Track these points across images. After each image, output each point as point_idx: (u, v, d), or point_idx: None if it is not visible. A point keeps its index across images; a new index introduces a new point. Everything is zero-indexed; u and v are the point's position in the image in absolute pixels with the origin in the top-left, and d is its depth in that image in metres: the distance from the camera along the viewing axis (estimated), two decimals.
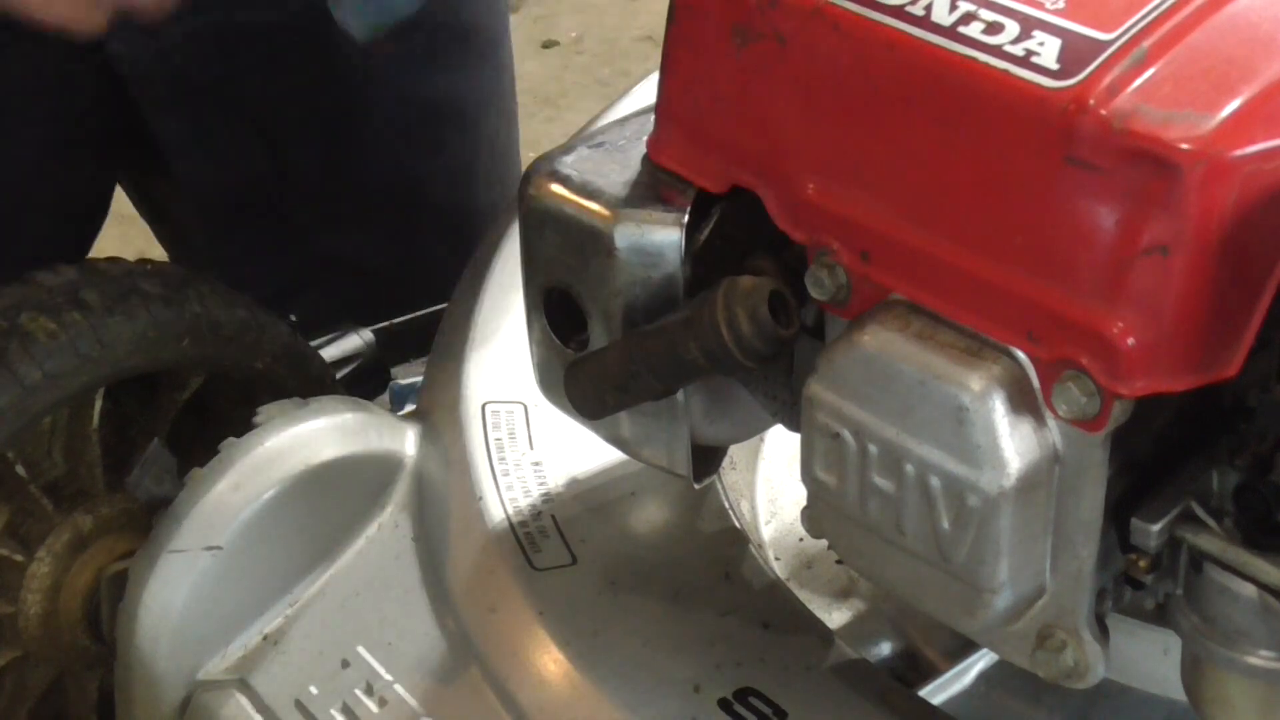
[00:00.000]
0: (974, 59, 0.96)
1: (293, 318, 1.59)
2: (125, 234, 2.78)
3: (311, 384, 1.58)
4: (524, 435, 1.39)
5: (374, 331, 2.21)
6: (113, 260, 1.51)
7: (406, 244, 2.08)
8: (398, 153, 2.03)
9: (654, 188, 1.12)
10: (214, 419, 1.55)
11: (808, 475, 1.06)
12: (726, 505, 1.35)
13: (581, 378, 1.13)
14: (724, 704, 1.18)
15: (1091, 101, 0.92)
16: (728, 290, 1.05)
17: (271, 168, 2.00)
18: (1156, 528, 1.00)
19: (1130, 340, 0.93)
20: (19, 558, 1.46)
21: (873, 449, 1.01)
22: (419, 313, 1.97)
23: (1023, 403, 0.96)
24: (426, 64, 1.99)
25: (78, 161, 2.02)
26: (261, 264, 2.04)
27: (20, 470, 1.47)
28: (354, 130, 2.01)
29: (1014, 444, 0.96)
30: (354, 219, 2.06)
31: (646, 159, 1.14)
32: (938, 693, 1.30)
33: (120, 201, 2.83)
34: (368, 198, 2.05)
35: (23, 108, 1.93)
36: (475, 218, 2.06)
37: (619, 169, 1.14)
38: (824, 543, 1.13)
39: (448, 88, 2.03)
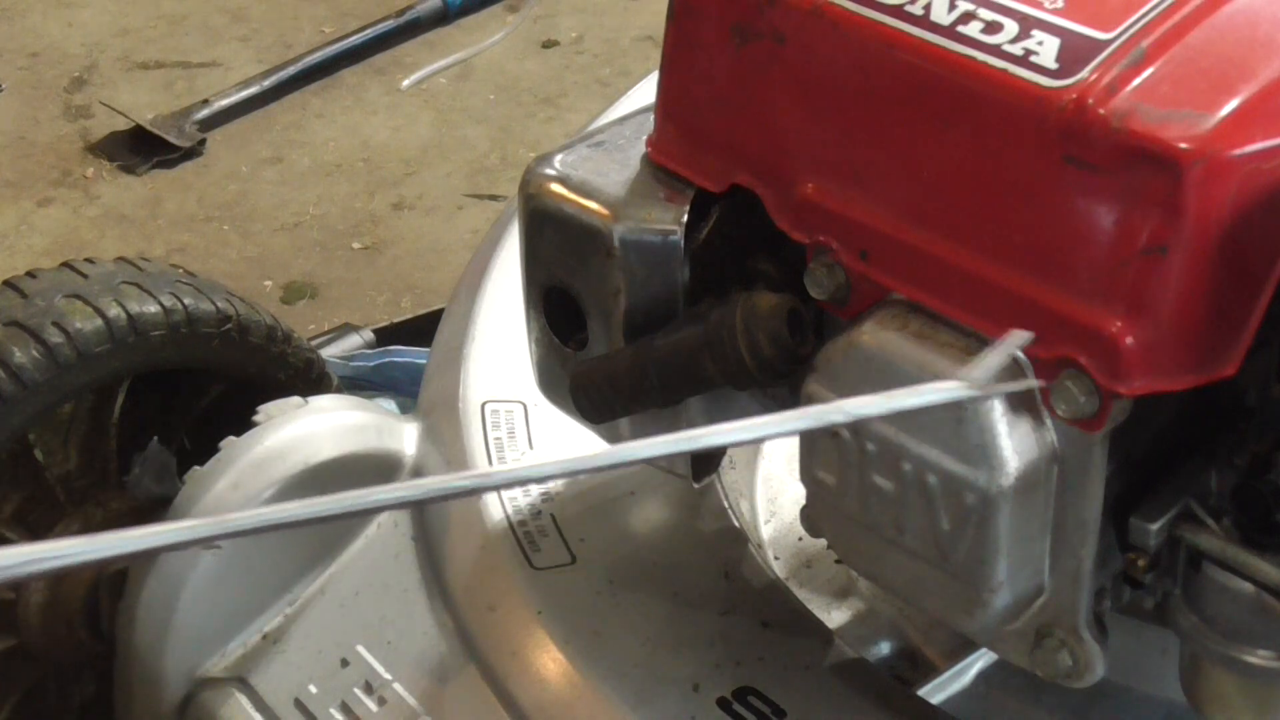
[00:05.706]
0: (973, 58, 0.96)
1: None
2: (125, 234, 2.78)
3: None
4: (523, 434, 1.39)
5: (374, 330, 2.22)
6: (147, 259, 1.53)
7: None
8: None
9: (653, 187, 1.12)
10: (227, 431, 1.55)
11: (807, 474, 1.06)
12: (726, 505, 1.35)
13: (589, 384, 1.13)
14: (723, 703, 1.18)
15: (1090, 101, 0.92)
16: (746, 312, 1.04)
17: None
18: (1155, 527, 1.00)
19: (1129, 339, 0.93)
20: None
21: (871, 448, 1.01)
22: (419, 312, 1.96)
23: (1021, 402, 0.96)
24: None
25: None
26: None
27: (39, 455, 1.48)
28: None
29: (1012, 443, 0.96)
30: None
31: (646, 158, 1.14)
32: (937, 692, 1.30)
33: (120, 201, 2.84)
34: None
35: None
36: None
37: (618, 169, 1.14)
38: (823, 542, 1.13)
39: None
